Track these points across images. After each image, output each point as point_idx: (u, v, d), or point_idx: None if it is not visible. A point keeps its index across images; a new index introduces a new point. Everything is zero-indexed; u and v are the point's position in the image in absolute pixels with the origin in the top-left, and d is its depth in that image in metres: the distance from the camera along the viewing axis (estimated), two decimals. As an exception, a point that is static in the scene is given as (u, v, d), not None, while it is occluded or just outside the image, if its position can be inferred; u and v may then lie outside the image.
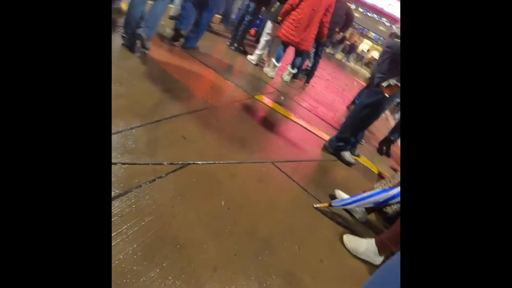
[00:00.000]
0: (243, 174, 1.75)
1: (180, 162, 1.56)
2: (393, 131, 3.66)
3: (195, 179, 1.51)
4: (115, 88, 1.94)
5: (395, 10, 17.01)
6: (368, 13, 19.27)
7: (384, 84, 2.14)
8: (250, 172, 1.81)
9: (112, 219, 1.09)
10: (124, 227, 1.08)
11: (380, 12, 18.83)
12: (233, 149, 1.95)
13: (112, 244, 1.01)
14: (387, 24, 18.86)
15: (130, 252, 1.01)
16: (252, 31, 6.31)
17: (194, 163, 1.61)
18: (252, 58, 4.56)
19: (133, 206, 1.18)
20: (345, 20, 4.75)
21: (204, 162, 1.66)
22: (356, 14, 19.85)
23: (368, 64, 20.60)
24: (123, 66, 2.35)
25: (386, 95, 2.17)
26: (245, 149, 2.04)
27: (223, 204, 1.45)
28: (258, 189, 1.70)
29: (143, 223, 1.14)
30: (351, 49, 13.42)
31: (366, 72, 16.92)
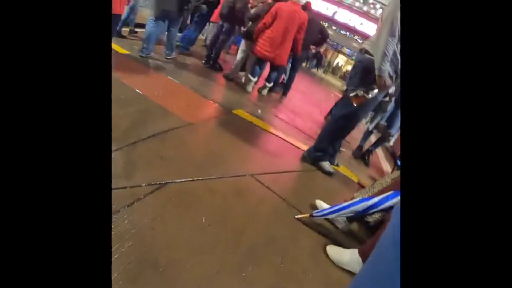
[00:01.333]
0: (223, 189, 1.75)
1: (158, 182, 1.54)
2: (366, 139, 3.80)
3: (174, 198, 1.49)
4: None
5: (366, 28, 17.88)
6: (341, 31, 20.06)
7: (352, 94, 2.23)
8: (230, 186, 1.82)
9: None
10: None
11: (352, 30, 19.64)
12: (211, 165, 1.95)
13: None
14: (360, 41, 19.69)
15: (112, 282, 0.99)
16: (233, 48, 6.39)
17: (172, 182, 1.60)
18: (228, 74, 4.61)
19: (113, 233, 1.16)
20: (320, 38, 4.91)
21: (183, 180, 1.65)
22: (329, 32, 20.43)
23: (343, 77, 21.44)
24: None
25: (355, 104, 2.25)
26: (224, 164, 2.05)
27: (203, 220, 1.44)
28: (238, 203, 1.70)
29: (123, 249, 1.11)
30: (317, 58, 13.79)
31: (341, 84, 17.38)
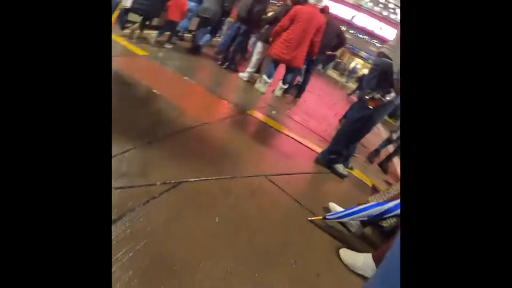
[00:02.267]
0: (237, 189, 1.76)
1: (173, 181, 1.56)
2: (385, 146, 3.75)
3: (189, 197, 1.51)
4: None
5: (385, 33, 17.75)
6: (359, 35, 19.93)
7: (368, 96, 2.21)
8: (244, 186, 1.82)
9: (107, 244, 1.08)
10: (119, 254, 1.07)
11: (370, 34, 19.50)
12: (226, 164, 1.96)
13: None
14: (378, 45, 19.55)
15: (126, 280, 1.00)
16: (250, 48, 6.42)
17: (187, 181, 1.61)
18: (244, 75, 4.63)
19: (128, 230, 1.17)
20: (337, 41, 4.87)
21: (197, 179, 1.66)
22: (347, 35, 20.30)
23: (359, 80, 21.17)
24: (115, 93, 2.36)
25: (370, 107, 2.23)
26: (238, 164, 2.05)
27: (217, 221, 1.44)
28: (252, 203, 1.70)
29: (138, 247, 1.12)
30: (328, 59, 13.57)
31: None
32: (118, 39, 3.97)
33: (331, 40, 4.76)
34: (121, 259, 1.06)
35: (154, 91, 2.68)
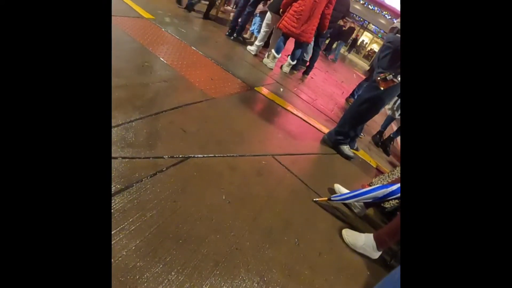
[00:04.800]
0: (243, 167, 1.75)
1: (180, 156, 1.56)
2: (387, 125, 3.69)
3: (196, 173, 1.51)
4: (113, 80, 1.92)
5: (396, 3, 17.12)
6: (369, 6, 19.27)
7: (380, 77, 2.14)
8: (250, 165, 1.82)
9: (114, 215, 1.09)
10: (126, 223, 1.09)
11: (381, 5, 18.85)
12: (233, 142, 1.95)
13: (115, 241, 1.01)
14: (388, 17, 18.91)
15: (133, 248, 1.02)
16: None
17: (194, 157, 1.61)
18: (252, 49, 4.52)
19: (135, 201, 1.18)
20: (345, 12, 4.74)
21: (205, 155, 1.66)
22: (356, 6, 19.76)
23: (367, 56, 20.56)
24: (119, 57, 2.32)
25: (381, 88, 2.17)
26: (245, 142, 2.04)
27: (224, 197, 1.45)
28: (258, 182, 1.71)
29: (145, 218, 1.14)
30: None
31: (365, 65, 16.87)
32: None
33: (340, 14, 4.62)
34: (128, 228, 1.08)
35: (161, 59, 2.63)
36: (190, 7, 5.18)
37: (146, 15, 3.78)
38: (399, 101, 3.32)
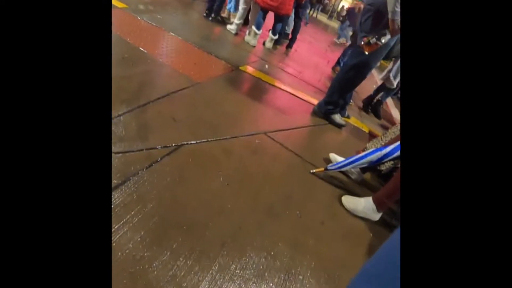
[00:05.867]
0: (238, 148, 1.76)
1: (173, 144, 1.55)
2: (379, 91, 3.67)
3: (191, 159, 1.51)
4: None
5: None
6: None
7: (364, 42, 2.12)
8: (244, 145, 1.82)
9: (115, 210, 1.10)
10: (128, 216, 1.09)
11: None
12: (224, 124, 1.94)
13: (119, 234, 1.02)
14: None
15: (139, 239, 1.03)
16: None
17: (187, 143, 1.60)
18: (232, 28, 4.42)
19: (134, 194, 1.19)
20: None
21: (198, 141, 1.65)
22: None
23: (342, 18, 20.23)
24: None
25: (366, 52, 2.15)
26: (236, 123, 2.04)
27: (222, 180, 1.46)
28: (254, 161, 1.72)
29: (146, 209, 1.15)
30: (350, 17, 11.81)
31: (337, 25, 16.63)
32: None
33: None
34: (131, 221, 1.09)
35: (141, 49, 2.56)
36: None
37: (119, 4, 3.64)
38: (395, 68, 3.27)
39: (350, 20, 9.56)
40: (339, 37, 10.00)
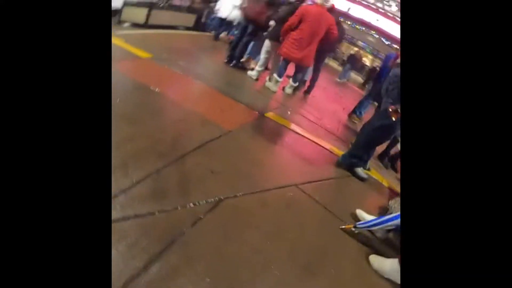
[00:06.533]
0: (273, 202, 1.82)
1: (215, 199, 1.61)
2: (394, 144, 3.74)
3: (232, 215, 1.57)
4: (128, 128, 1.94)
5: (382, 24, 17.79)
6: (356, 26, 19.90)
7: (392, 109, 2.27)
8: (278, 198, 1.89)
9: (166, 272, 1.14)
10: (179, 280, 1.13)
11: (367, 25, 19.49)
12: (258, 175, 2.03)
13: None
14: (376, 36, 19.55)
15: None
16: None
17: (227, 197, 1.66)
18: (253, 74, 4.63)
19: (183, 253, 1.24)
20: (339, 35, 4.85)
21: (237, 195, 1.72)
22: (344, 26, 20.00)
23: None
24: (129, 102, 2.36)
25: (393, 119, 2.29)
26: (269, 174, 2.12)
27: (260, 236, 1.51)
28: (288, 215, 1.78)
29: (196, 272, 1.19)
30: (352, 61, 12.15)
31: (358, 78, 17.11)
32: (118, 42, 3.75)
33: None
34: (182, 285, 1.12)
35: (170, 97, 2.70)
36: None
37: (143, 54, 3.74)
38: None
39: (353, 65, 11.73)
40: (340, 77, 11.30)
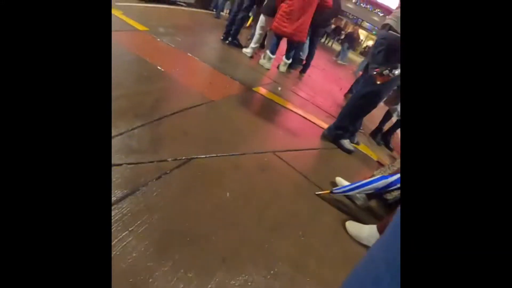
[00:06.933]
0: (246, 165, 1.79)
1: (183, 157, 1.59)
2: (385, 121, 3.67)
3: (200, 173, 1.54)
4: (114, 92, 1.95)
5: (388, 1, 17.37)
6: (361, 4, 19.49)
7: (376, 72, 2.18)
8: (253, 162, 1.85)
9: (123, 219, 1.13)
10: (134, 226, 1.12)
11: (373, 3, 19.08)
12: (234, 141, 1.99)
13: (125, 243, 1.05)
14: (381, 14, 19.13)
15: (142, 249, 1.05)
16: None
17: (197, 157, 1.64)
18: (247, 51, 4.56)
19: (142, 204, 1.22)
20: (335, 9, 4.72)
21: (207, 156, 1.69)
22: (348, 5, 19.88)
23: (363, 53, 20.67)
24: (119, 69, 2.37)
25: (378, 82, 2.21)
26: (246, 141, 2.08)
27: (228, 195, 1.48)
28: (261, 179, 1.74)
29: (152, 220, 1.17)
30: (349, 39, 11.53)
31: (361, 60, 16.89)
32: (116, 13, 3.87)
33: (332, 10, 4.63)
34: (137, 230, 1.11)
35: (159, 68, 2.67)
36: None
37: (140, 27, 3.80)
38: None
39: (350, 44, 11.28)
40: (341, 59, 11.05)
